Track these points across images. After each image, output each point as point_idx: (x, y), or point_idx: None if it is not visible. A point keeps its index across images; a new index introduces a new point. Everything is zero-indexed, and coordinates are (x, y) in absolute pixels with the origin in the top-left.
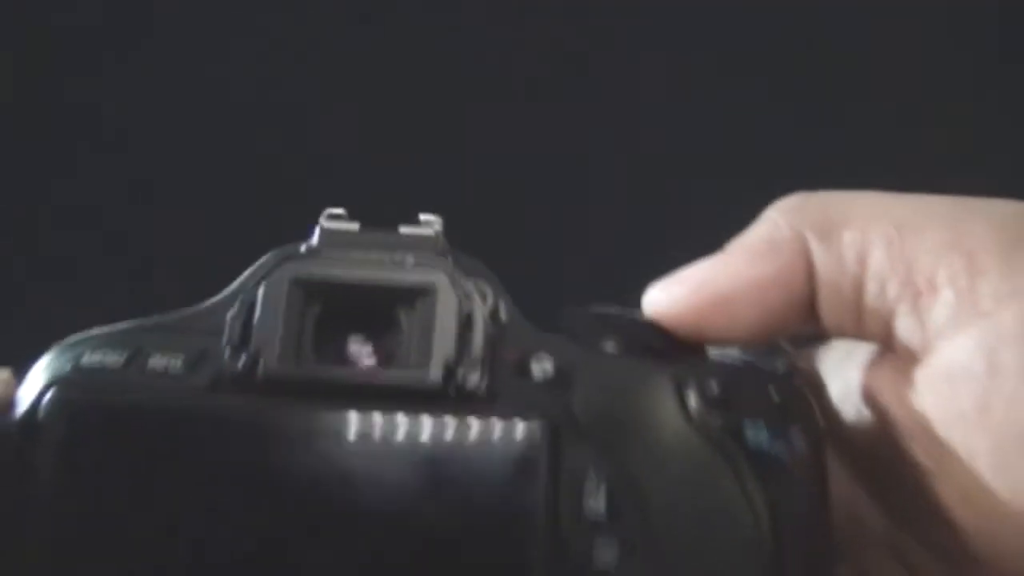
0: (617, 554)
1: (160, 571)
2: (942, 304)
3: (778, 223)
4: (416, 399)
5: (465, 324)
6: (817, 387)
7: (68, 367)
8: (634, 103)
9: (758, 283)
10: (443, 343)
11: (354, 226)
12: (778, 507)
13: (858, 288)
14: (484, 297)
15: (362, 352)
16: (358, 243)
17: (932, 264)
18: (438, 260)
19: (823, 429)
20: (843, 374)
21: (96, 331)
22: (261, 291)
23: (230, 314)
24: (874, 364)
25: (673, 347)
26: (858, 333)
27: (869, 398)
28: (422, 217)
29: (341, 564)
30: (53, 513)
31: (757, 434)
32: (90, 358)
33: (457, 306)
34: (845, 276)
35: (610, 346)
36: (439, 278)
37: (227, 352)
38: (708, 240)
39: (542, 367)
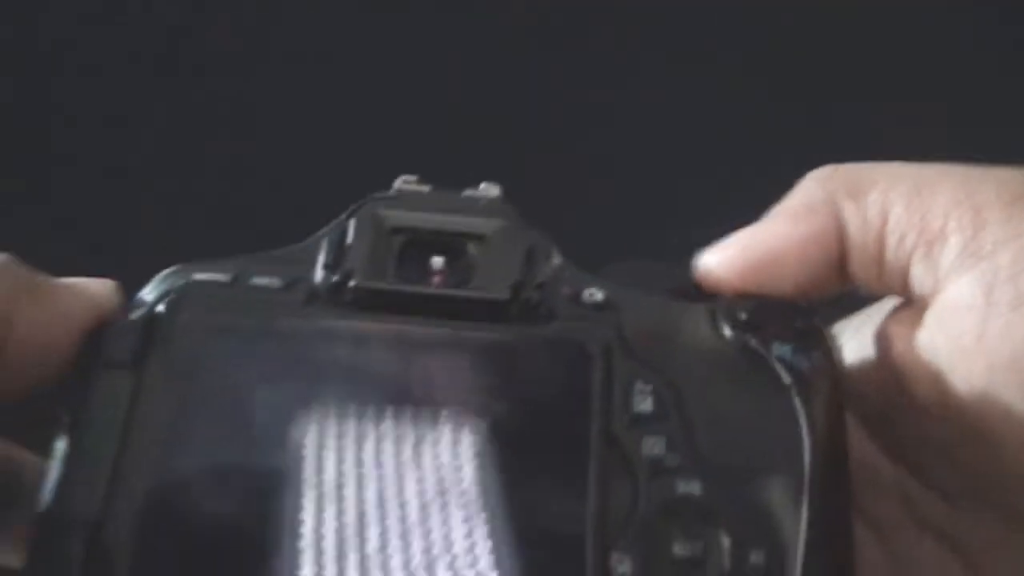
0: (663, 446)
1: (257, 469)
2: (950, 250)
3: (813, 189)
4: (487, 312)
5: (527, 258)
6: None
7: (181, 281)
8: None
9: (800, 242)
10: (509, 269)
11: (426, 187)
12: (802, 409)
13: (880, 242)
14: (542, 243)
15: (439, 273)
16: (432, 198)
17: (944, 217)
18: (503, 210)
19: (841, 359)
20: (860, 334)
21: (203, 261)
22: (352, 223)
23: (322, 243)
24: (890, 316)
25: (709, 293)
26: (881, 286)
27: (882, 346)
28: (482, 185)
29: (419, 455)
30: (163, 412)
31: (782, 350)
32: (201, 275)
33: (521, 243)
34: (870, 232)
35: (651, 289)
36: (505, 223)
37: (320, 273)
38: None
39: (593, 296)
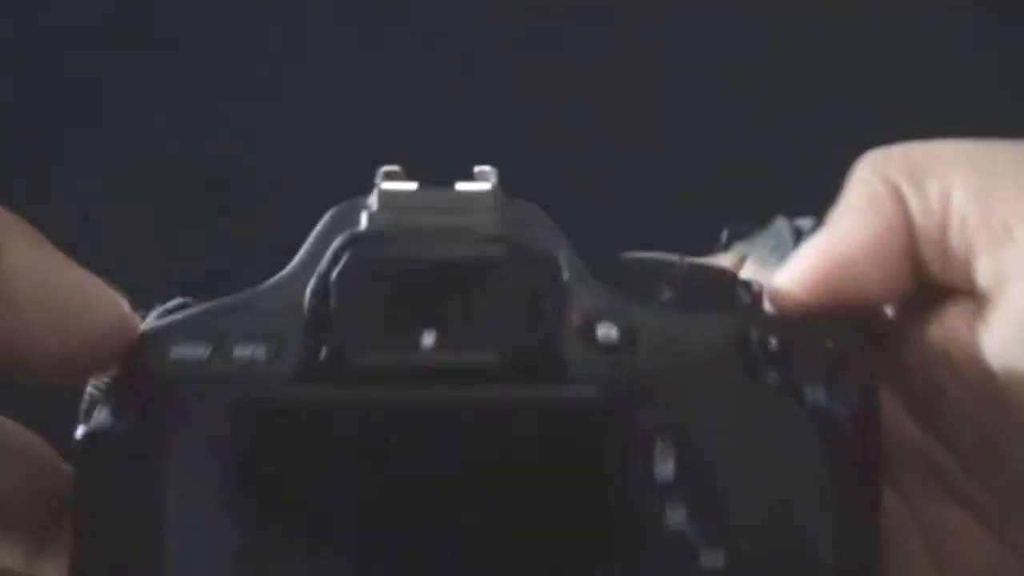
0: (686, 515)
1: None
2: (1016, 248)
3: (871, 180)
4: (490, 374)
5: (531, 297)
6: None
7: (158, 365)
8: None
9: (874, 239)
10: (511, 319)
11: (411, 186)
12: (835, 463)
13: (943, 230)
14: (546, 259)
15: (434, 333)
16: (418, 206)
17: (1007, 208)
18: (499, 221)
19: (876, 385)
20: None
21: (174, 316)
22: (334, 278)
23: (306, 300)
24: (952, 304)
25: (730, 295)
26: (945, 277)
27: (939, 336)
28: (476, 169)
29: (427, 532)
30: (166, 506)
31: (815, 392)
32: (177, 352)
33: (522, 280)
34: (933, 220)
35: (669, 297)
36: (502, 251)
37: (308, 339)
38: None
39: (607, 332)
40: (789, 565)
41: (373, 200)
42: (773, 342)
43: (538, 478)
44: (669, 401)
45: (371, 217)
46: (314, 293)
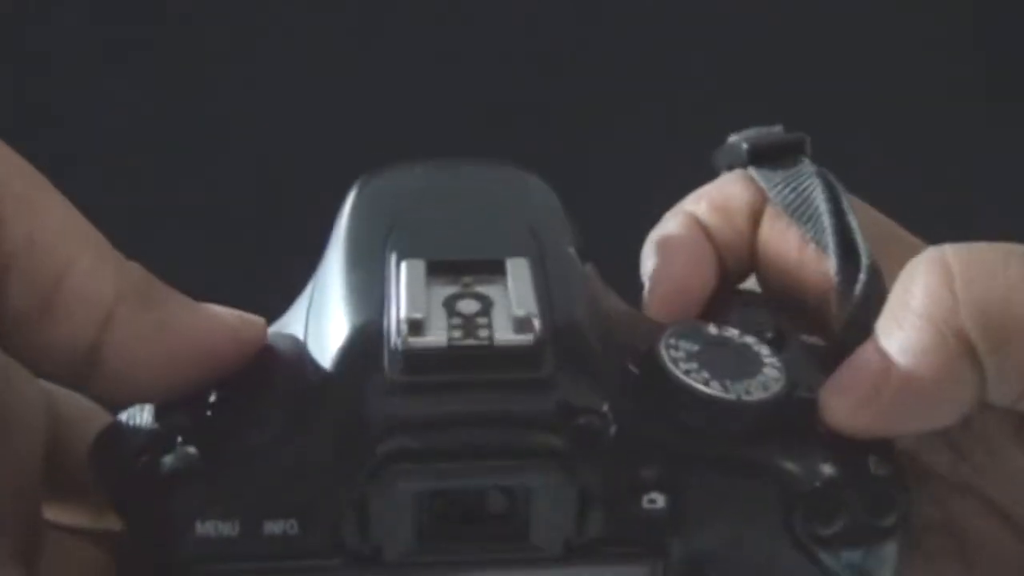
0: None
1: None
2: None
3: (944, 333)
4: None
5: (580, 502)
6: None
7: (183, 542)
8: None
9: (937, 396)
10: (561, 524)
11: (441, 340)
12: None
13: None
14: (590, 427)
15: (481, 539)
16: (449, 379)
17: None
18: (546, 401)
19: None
20: None
21: (177, 467)
22: (374, 498)
23: (347, 513)
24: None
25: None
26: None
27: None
28: (516, 313)
29: None
30: None
31: (852, 556)
32: (204, 528)
33: (571, 486)
34: (1009, 396)
35: (720, 422)
36: (548, 464)
37: (345, 538)
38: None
39: (652, 502)
40: None
41: (396, 366)
42: (818, 505)
43: None
44: (714, 569)
45: (398, 402)
46: (352, 505)
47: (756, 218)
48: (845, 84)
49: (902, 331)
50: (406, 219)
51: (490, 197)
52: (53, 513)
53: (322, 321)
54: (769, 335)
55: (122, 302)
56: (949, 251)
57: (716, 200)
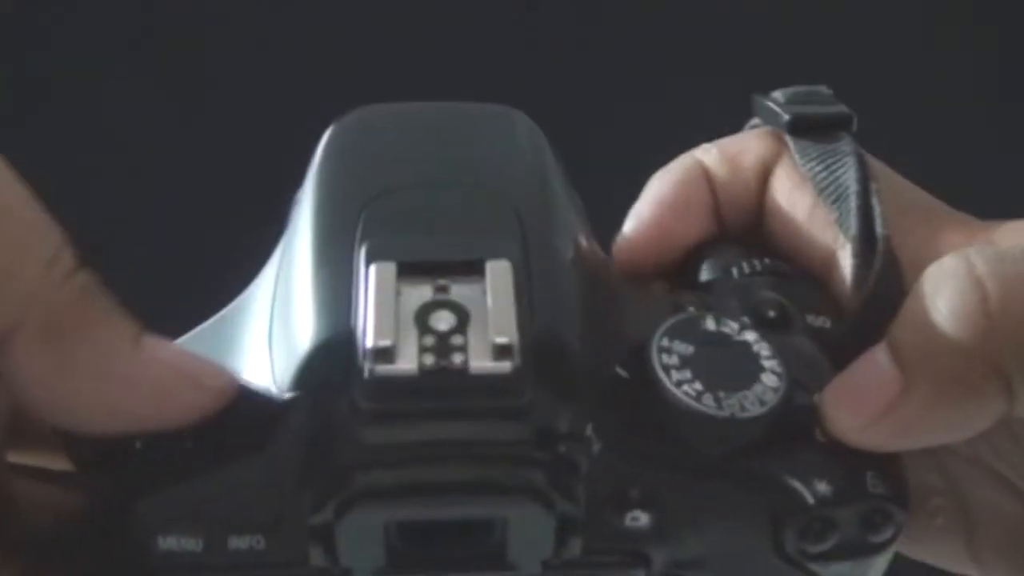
0: None
1: None
2: None
3: (976, 359)
4: None
5: (560, 529)
6: None
7: (145, 556)
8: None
9: (960, 420)
10: (538, 550)
11: (411, 367)
12: None
13: None
14: (570, 456)
15: (455, 562)
16: (421, 408)
17: None
18: (523, 430)
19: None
20: None
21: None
22: (343, 528)
23: (315, 539)
24: None
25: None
26: None
27: None
28: (495, 339)
29: None
30: None
31: (841, 567)
32: (167, 541)
33: (549, 517)
34: None
35: (711, 440)
36: (524, 499)
37: (317, 560)
38: None
39: (636, 520)
40: None
41: (363, 394)
42: (811, 524)
43: None
44: None
45: (368, 433)
46: (320, 534)
47: (766, 175)
48: (845, 84)
49: (926, 348)
50: (379, 203)
51: (474, 164)
52: (15, 456)
53: (288, 321)
54: (771, 314)
55: (17, 332)
56: (980, 264)
57: (728, 150)
